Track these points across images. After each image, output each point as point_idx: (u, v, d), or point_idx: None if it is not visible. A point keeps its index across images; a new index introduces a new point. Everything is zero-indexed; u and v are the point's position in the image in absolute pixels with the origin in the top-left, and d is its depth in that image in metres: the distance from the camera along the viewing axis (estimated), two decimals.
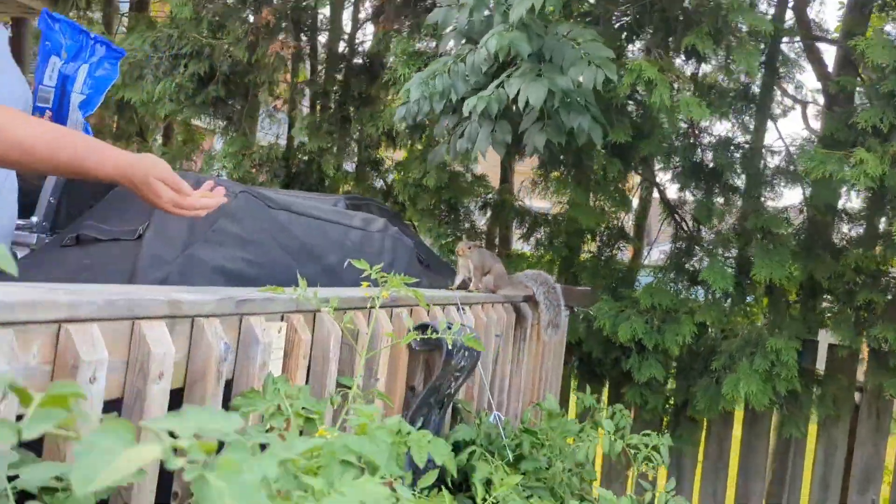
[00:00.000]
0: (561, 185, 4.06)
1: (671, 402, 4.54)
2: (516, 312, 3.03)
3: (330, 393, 1.57)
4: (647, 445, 2.08)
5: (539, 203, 5.20)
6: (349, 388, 1.63)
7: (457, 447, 2.24)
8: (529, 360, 3.25)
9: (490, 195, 4.94)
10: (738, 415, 4.64)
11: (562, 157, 3.69)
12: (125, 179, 1.34)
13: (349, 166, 4.84)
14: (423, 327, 1.95)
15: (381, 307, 1.85)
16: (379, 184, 4.81)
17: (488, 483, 2.10)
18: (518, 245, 5.26)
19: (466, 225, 4.76)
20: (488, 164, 6.28)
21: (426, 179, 3.99)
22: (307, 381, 1.58)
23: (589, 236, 4.74)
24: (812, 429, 4.61)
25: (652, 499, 1.98)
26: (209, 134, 5.36)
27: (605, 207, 4.37)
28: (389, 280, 1.65)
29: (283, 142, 5.82)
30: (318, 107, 4.88)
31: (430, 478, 1.51)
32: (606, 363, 4.40)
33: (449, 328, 1.95)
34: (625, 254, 5.35)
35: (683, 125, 4.00)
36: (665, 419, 4.63)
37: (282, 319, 1.46)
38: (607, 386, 4.75)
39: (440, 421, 2.15)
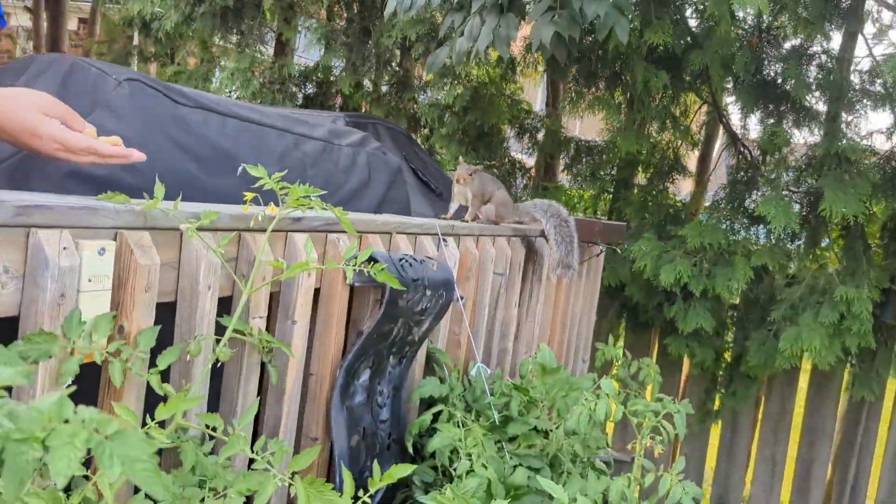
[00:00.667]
0: (597, 102, 3.51)
1: (726, 356, 4.03)
2: (527, 248, 2.57)
3: (201, 338, 1.17)
4: (657, 413, 1.63)
5: (591, 130, 4.65)
6: (244, 334, 1.23)
7: (430, 405, 1.84)
8: (547, 304, 2.79)
9: (529, 119, 4.42)
10: (805, 372, 4.10)
11: (593, 69, 3.14)
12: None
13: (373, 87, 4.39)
14: (369, 260, 1.53)
15: (309, 231, 1.43)
16: (408, 106, 4.34)
17: (454, 452, 1.69)
18: (565, 179, 4.74)
19: (500, 154, 4.26)
20: (533, 86, 5.71)
21: (447, 98, 3.50)
22: (166, 325, 1.18)
23: (641, 168, 4.19)
24: (892, 387, 4.04)
25: (655, 482, 1.54)
26: (224, 52, 4.96)
27: (653, 132, 3.80)
28: (291, 192, 1.22)
29: (305, 60, 5.38)
30: (336, 17, 4.42)
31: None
32: (649, 309, 3.90)
33: (403, 261, 1.52)
34: (683, 194, 4.76)
35: (744, 30, 3.38)
36: (718, 375, 4.13)
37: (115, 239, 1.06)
38: (658, 338, 4.26)
39: (403, 373, 1.74)
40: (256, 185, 1.23)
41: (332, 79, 4.41)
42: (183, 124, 1.52)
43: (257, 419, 1.41)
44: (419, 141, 4.17)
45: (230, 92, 4.31)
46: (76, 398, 1.03)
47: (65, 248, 0.95)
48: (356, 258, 1.31)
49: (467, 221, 2.16)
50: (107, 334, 1.01)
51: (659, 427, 1.60)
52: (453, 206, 2.22)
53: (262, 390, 1.40)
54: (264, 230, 1.35)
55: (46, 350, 0.93)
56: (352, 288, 1.59)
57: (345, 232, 1.58)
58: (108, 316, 1.01)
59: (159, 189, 1.12)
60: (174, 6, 4.23)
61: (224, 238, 1.18)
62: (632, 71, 3.22)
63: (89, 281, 1.00)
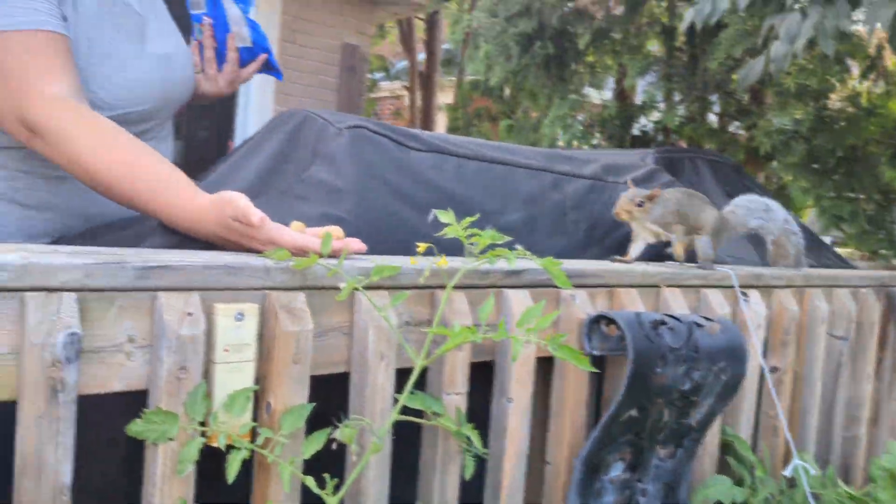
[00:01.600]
0: None
1: None
2: (887, 303, 1.95)
3: (369, 421, 0.98)
4: None
5: None
6: (422, 414, 1.03)
7: None
8: None
9: None
10: None
11: None
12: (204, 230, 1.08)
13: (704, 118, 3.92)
14: (598, 319, 1.21)
15: (530, 286, 1.18)
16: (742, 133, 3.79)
17: None
18: None
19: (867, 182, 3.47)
20: None
21: (785, 120, 2.92)
22: (348, 400, 1.01)
23: None
24: None
25: None
26: (544, 98, 4.91)
27: None
28: (478, 240, 0.99)
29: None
30: (664, 48, 4.07)
31: None
32: None
33: (657, 323, 1.18)
34: None
35: None
36: None
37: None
38: None
39: (681, 467, 1.36)
40: (440, 232, 1.02)
41: (657, 114, 4.07)
42: (409, 170, 1.38)
43: None
44: (759, 174, 3.59)
45: (556, 142, 4.23)
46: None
47: (189, 315, 0.84)
48: (604, 318, 1.01)
49: (680, 262, 1.54)
50: (242, 413, 0.87)
51: None
52: (635, 249, 1.58)
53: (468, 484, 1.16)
54: (478, 286, 1.12)
55: (164, 431, 0.82)
56: (602, 358, 1.28)
57: (596, 285, 1.28)
58: (244, 392, 0.88)
59: (326, 240, 0.96)
60: (500, 63, 4.30)
61: (397, 296, 0.98)
62: None
63: (225, 351, 0.87)
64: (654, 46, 4.31)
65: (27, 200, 1.33)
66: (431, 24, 9.31)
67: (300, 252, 0.99)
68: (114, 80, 1.31)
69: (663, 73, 3.71)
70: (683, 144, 3.93)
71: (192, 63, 1.53)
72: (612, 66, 4.35)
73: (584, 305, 1.23)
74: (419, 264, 1.04)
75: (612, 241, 1.67)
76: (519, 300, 1.14)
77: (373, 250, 1.19)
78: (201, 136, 6.26)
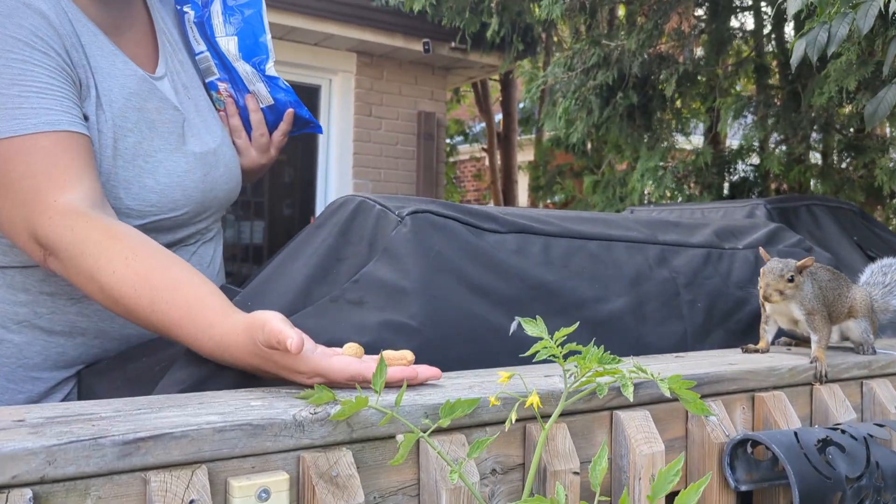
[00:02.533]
0: None
1: None
2: None
3: None
4: None
5: None
6: None
7: None
8: None
9: None
10: None
11: None
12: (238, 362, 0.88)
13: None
14: (743, 442, 0.93)
15: (649, 404, 0.91)
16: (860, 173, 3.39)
17: None
18: None
19: None
20: None
21: None
22: None
23: None
24: None
25: None
26: (630, 149, 4.62)
27: None
28: (579, 362, 0.74)
29: (730, 142, 4.73)
30: (757, 87, 3.74)
31: None
32: None
33: (833, 442, 0.89)
34: None
35: None
36: None
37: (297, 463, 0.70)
38: None
39: None
40: (530, 351, 0.77)
41: (756, 158, 3.72)
42: (486, 258, 1.15)
43: None
44: (880, 215, 3.18)
45: (646, 195, 3.94)
46: None
47: (192, 502, 0.62)
48: (752, 442, 0.74)
49: (815, 363, 1.12)
50: None
51: None
52: (769, 331, 1.24)
53: None
54: (582, 412, 0.86)
55: None
56: (750, 494, 0.98)
57: (733, 392, 1.00)
58: None
59: (379, 371, 0.73)
60: (581, 118, 4.08)
61: (476, 445, 0.73)
62: None
63: None
64: (740, 85, 4.01)
65: (52, 326, 1.16)
66: (506, 84, 9.23)
67: (360, 380, 0.77)
68: (143, 184, 1.15)
69: (760, 114, 3.39)
70: (786, 189, 3.57)
71: (236, 154, 1.36)
72: (700, 110, 4.06)
73: (723, 425, 0.94)
74: (501, 402, 0.79)
75: (737, 323, 1.37)
76: (636, 426, 0.87)
77: (446, 362, 0.95)
78: (285, 213, 6.27)
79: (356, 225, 1.16)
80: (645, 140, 3.90)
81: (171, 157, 1.20)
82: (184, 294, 0.92)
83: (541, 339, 0.78)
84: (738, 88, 3.90)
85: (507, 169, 9.77)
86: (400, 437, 0.69)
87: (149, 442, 0.62)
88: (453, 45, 6.21)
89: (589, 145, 5.76)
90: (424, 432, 0.71)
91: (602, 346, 0.74)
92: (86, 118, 1.10)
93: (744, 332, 1.36)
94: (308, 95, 6.23)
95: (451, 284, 1.09)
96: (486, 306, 1.10)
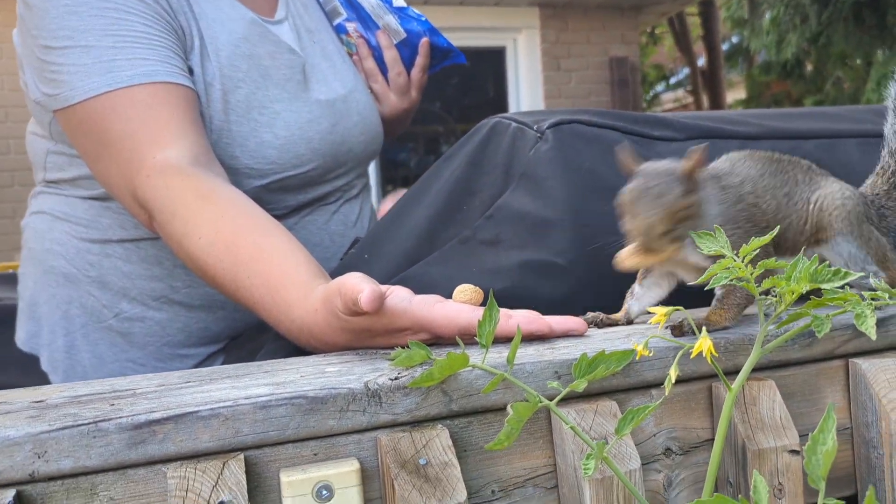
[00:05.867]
0: None
1: None
2: None
3: None
4: None
5: None
6: None
7: None
8: None
9: None
10: None
11: None
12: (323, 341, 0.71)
13: None
14: None
15: (880, 351, 0.63)
16: None
17: None
18: None
19: None
20: None
21: None
22: None
23: None
24: None
25: None
26: (862, 58, 3.89)
27: None
28: (783, 284, 0.48)
29: None
30: None
31: None
32: None
33: None
34: None
35: None
36: None
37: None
38: None
39: None
40: (705, 275, 0.52)
41: None
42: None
43: None
44: None
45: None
46: None
47: (221, 503, 0.46)
48: None
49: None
50: None
51: None
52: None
53: None
54: (797, 363, 0.60)
55: None
56: None
57: None
58: None
59: (487, 318, 0.53)
60: (794, 30, 3.51)
61: (628, 417, 0.50)
62: None
63: None
64: None
65: (191, 301, 1.08)
66: (706, 16, 8.43)
67: (470, 337, 0.58)
68: (260, 139, 1.03)
69: None
70: None
71: (373, 101, 1.21)
72: None
73: None
74: (653, 352, 0.55)
75: None
76: (888, 380, 0.58)
77: (603, 309, 0.72)
78: None
79: (490, 150, 0.95)
80: (879, 42, 3.25)
81: (291, 106, 1.06)
82: (266, 268, 0.76)
83: (721, 257, 0.52)
84: None
85: (716, 109, 8.97)
86: (509, 410, 0.48)
87: (167, 424, 0.47)
88: None
89: (808, 66, 5.05)
90: (552, 400, 0.50)
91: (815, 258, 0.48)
92: (190, 71, 1.00)
93: None
94: (493, 59, 6.07)
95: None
96: None
